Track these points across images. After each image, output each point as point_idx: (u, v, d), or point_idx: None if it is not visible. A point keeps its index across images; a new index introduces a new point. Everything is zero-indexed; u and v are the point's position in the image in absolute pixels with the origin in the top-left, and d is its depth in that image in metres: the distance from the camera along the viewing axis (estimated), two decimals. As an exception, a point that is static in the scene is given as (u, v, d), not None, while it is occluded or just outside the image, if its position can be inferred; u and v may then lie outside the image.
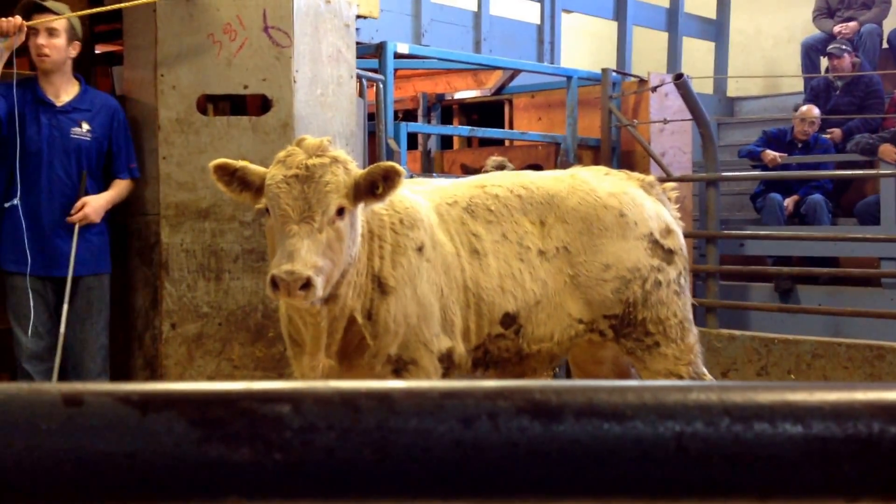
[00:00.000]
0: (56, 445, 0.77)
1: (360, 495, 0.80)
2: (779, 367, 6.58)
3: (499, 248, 3.64)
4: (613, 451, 0.79)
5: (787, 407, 0.80)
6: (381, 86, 6.68)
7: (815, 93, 9.09)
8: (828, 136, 8.71)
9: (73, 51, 4.79)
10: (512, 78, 8.67)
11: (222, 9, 4.90)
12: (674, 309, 3.83)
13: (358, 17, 5.74)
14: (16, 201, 4.69)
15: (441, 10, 8.77)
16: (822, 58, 9.65)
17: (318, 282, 2.96)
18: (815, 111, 8.60)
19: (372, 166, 3.24)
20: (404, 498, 0.80)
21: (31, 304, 4.67)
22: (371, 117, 6.77)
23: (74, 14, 4.75)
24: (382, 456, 0.79)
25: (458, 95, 9.26)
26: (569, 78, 8.15)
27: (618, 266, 3.76)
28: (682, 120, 8.05)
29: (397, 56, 7.03)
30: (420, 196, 3.63)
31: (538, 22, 9.65)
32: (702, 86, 10.03)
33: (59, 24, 4.68)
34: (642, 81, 8.28)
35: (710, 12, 11.30)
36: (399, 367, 3.41)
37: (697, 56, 11.34)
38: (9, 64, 4.55)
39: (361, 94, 6.18)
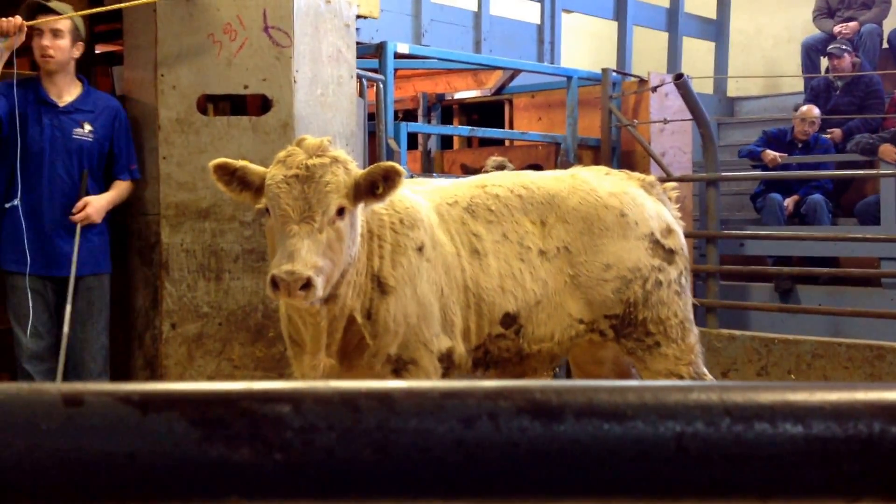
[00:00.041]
0: (56, 445, 0.77)
1: (360, 495, 0.80)
2: (779, 367, 6.58)
3: (499, 247, 3.64)
4: (614, 452, 0.79)
5: (787, 407, 0.80)
6: (382, 86, 6.68)
7: (816, 93, 9.08)
8: (828, 136, 8.71)
9: (77, 51, 4.79)
10: (512, 78, 8.67)
11: (222, 9, 4.90)
12: (674, 309, 3.83)
13: (358, 17, 5.74)
14: (16, 202, 4.69)
15: (441, 10, 8.77)
16: (822, 58, 9.65)
17: (319, 282, 2.96)
18: (816, 111, 8.60)
19: (372, 166, 3.24)
20: (405, 498, 0.80)
21: (31, 303, 4.67)
22: (371, 117, 6.77)
23: (76, 14, 4.74)
24: (383, 456, 0.79)
25: (459, 95, 9.27)
26: (569, 78, 8.14)
27: (618, 266, 3.76)
28: (683, 120, 8.05)
29: (397, 56, 7.03)
30: (420, 196, 3.63)
31: (538, 22, 9.65)
32: (702, 86, 10.03)
33: (64, 24, 4.68)
34: (642, 81, 8.28)
35: (710, 12, 11.30)
36: (399, 367, 3.41)
37: (697, 56, 11.34)
38: (9, 64, 4.55)
39: (361, 94, 6.17)
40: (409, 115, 8.94)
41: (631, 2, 10.20)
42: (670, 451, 0.79)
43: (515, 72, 8.52)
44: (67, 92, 4.79)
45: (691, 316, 3.96)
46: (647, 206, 3.89)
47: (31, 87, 4.74)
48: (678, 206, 4.16)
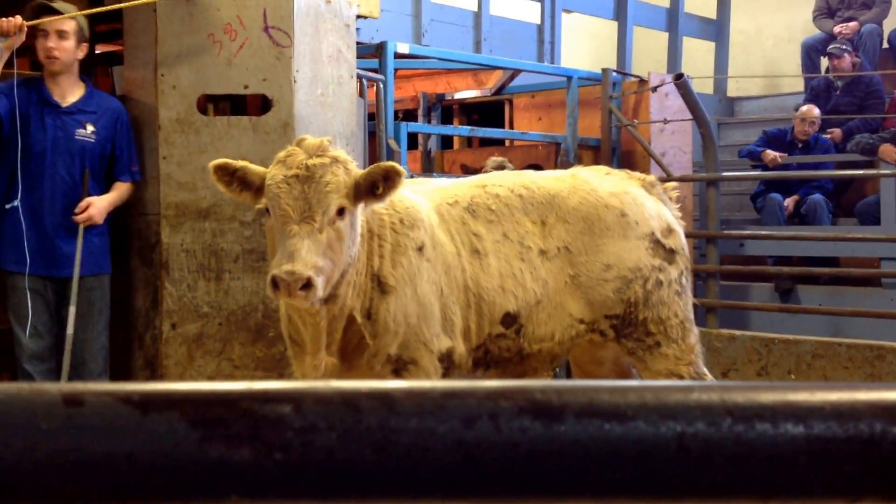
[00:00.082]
0: (56, 446, 0.77)
1: (360, 496, 0.80)
2: (779, 367, 6.58)
3: (500, 247, 3.64)
4: (615, 452, 0.79)
5: (788, 407, 0.80)
6: (382, 86, 6.68)
7: (816, 93, 9.08)
8: (828, 136, 8.71)
9: (81, 52, 4.81)
10: (512, 78, 8.67)
11: (222, 9, 4.90)
12: (675, 309, 3.83)
13: (358, 17, 5.74)
14: (16, 202, 4.69)
15: (441, 10, 8.76)
16: (822, 58, 9.65)
17: (319, 282, 2.96)
18: (816, 111, 8.60)
19: (372, 166, 3.24)
20: (405, 498, 0.80)
21: (31, 304, 4.67)
22: (371, 117, 6.77)
23: (78, 13, 4.74)
24: (383, 456, 0.79)
25: (459, 95, 9.27)
26: (569, 78, 8.15)
27: (619, 266, 3.76)
28: (683, 120, 8.05)
29: (397, 56, 7.03)
30: (420, 196, 3.62)
31: (538, 22, 9.65)
32: (702, 86, 10.03)
33: (69, 26, 4.69)
34: (642, 81, 8.28)
35: (711, 12, 11.31)
36: (399, 367, 3.41)
37: (698, 56, 11.34)
38: (9, 64, 4.55)
39: (362, 94, 6.17)
40: (410, 115, 8.94)
41: (631, 2, 10.20)
42: (671, 451, 0.79)
43: (515, 72, 8.52)
44: (70, 93, 4.79)
45: (692, 316, 3.96)
46: (648, 206, 3.89)
47: (33, 87, 4.74)
48: (678, 205, 4.16)
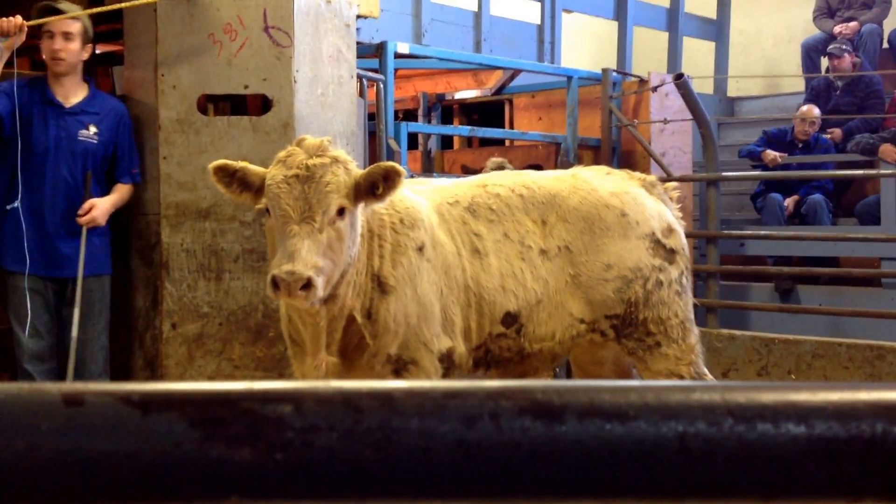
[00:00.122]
0: (57, 446, 0.77)
1: (361, 496, 0.80)
2: (779, 367, 6.58)
3: (500, 247, 3.64)
4: (616, 452, 0.79)
5: (790, 407, 0.80)
6: (382, 86, 6.68)
7: (816, 93, 9.08)
8: (828, 136, 8.71)
9: (86, 53, 4.82)
10: (512, 78, 8.67)
11: (223, 9, 4.90)
12: (675, 309, 3.83)
13: (358, 16, 5.73)
14: (16, 203, 4.69)
15: (441, 9, 8.76)
16: (822, 58, 9.65)
17: (319, 282, 2.96)
18: (816, 111, 8.59)
19: (372, 166, 3.24)
20: (406, 498, 0.80)
21: (31, 304, 4.67)
22: (371, 117, 6.77)
23: (80, 13, 4.74)
24: (384, 456, 0.79)
25: (459, 95, 9.27)
26: (569, 78, 8.14)
27: (619, 266, 3.75)
28: (683, 120, 8.04)
29: (398, 56, 7.03)
30: (421, 196, 3.62)
31: (538, 22, 9.65)
32: (702, 86, 10.03)
33: (74, 27, 4.69)
34: (643, 81, 8.28)
35: (711, 12, 11.30)
36: (399, 367, 3.41)
37: (698, 56, 11.34)
38: (9, 64, 4.55)
39: (362, 94, 6.17)
40: (410, 115, 8.94)
41: (631, 2, 10.20)
42: (673, 451, 0.79)
43: (515, 72, 8.52)
44: (74, 93, 4.80)
45: (692, 316, 3.95)
46: (648, 206, 3.89)
47: (37, 86, 4.75)
48: (679, 205, 4.16)
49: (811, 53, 9.86)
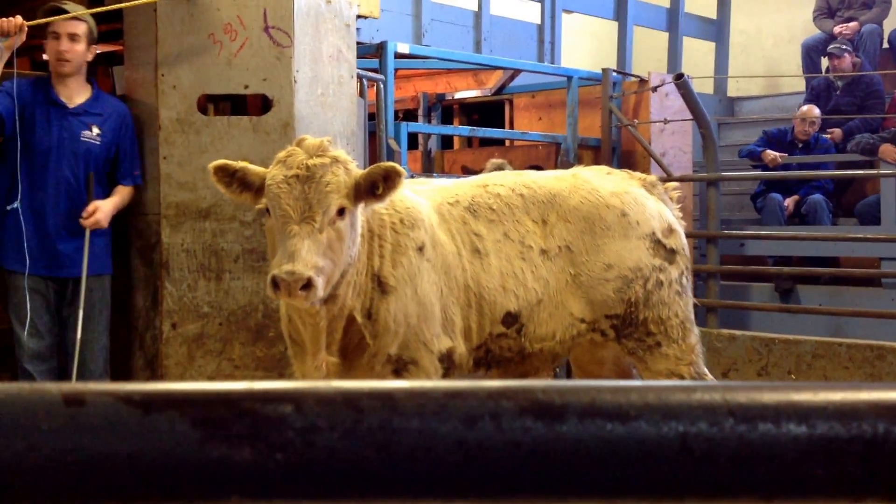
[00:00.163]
0: (57, 446, 0.77)
1: (362, 496, 0.80)
2: (779, 367, 6.58)
3: (500, 247, 3.64)
4: (617, 452, 0.79)
5: (791, 407, 0.80)
6: (382, 86, 6.68)
7: (816, 93, 9.08)
8: (828, 136, 8.71)
9: (91, 55, 4.83)
10: (512, 78, 8.67)
11: (223, 9, 4.90)
12: (675, 309, 3.83)
13: (358, 17, 5.73)
14: (16, 204, 4.69)
15: (441, 9, 8.76)
16: (822, 58, 9.64)
17: (319, 282, 2.96)
18: (816, 111, 8.59)
19: (372, 167, 3.24)
20: (407, 498, 0.80)
21: (32, 303, 4.67)
22: (371, 117, 6.77)
23: (81, 13, 4.74)
24: (385, 456, 0.79)
25: (459, 95, 9.27)
26: (569, 78, 8.15)
27: (619, 266, 3.75)
28: (683, 120, 8.04)
29: (398, 56, 7.03)
30: (421, 196, 3.62)
31: (538, 22, 9.65)
32: (702, 86, 10.03)
33: (80, 29, 4.71)
34: (643, 81, 8.28)
35: (711, 12, 11.30)
36: (399, 367, 3.41)
37: (698, 56, 11.34)
38: (9, 64, 4.55)
39: (362, 94, 6.17)
40: (410, 115, 8.94)
41: (631, 2, 10.20)
42: (674, 451, 0.79)
43: (516, 72, 8.52)
44: (77, 94, 4.81)
45: (692, 316, 3.95)
46: (649, 206, 3.89)
47: (40, 87, 4.75)
48: (679, 206, 4.16)
49: (811, 53, 9.86)
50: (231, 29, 4.89)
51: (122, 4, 4.84)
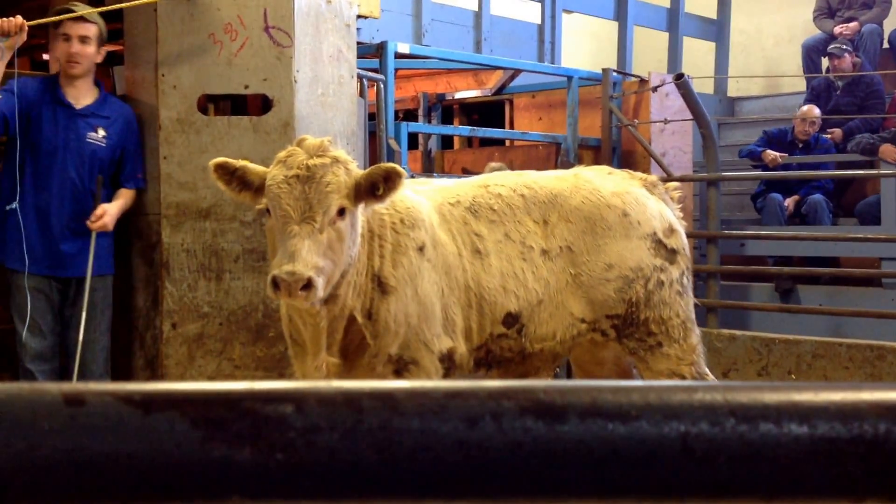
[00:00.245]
0: (58, 445, 0.77)
1: (362, 496, 0.80)
2: (779, 367, 6.58)
3: (501, 247, 3.64)
4: (618, 452, 0.79)
5: (792, 407, 0.80)
6: (382, 86, 6.68)
7: (816, 93, 9.08)
8: (828, 136, 8.71)
9: (100, 57, 4.85)
10: (512, 78, 8.66)
11: (223, 8, 4.90)
12: (676, 309, 3.83)
13: (359, 17, 5.73)
14: (14, 204, 4.69)
15: (442, 9, 8.76)
16: (822, 58, 9.64)
17: (319, 282, 2.95)
18: (816, 111, 8.59)
19: (373, 167, 3.23)
20: (407, 498, 0.80)
21: (34, 303, 4.68)
22: (372, 117, 6.77)
23: (79, 13, 4.74)
24: (385, 456, 0.78)
25: (459, 95, 9.26)
26: (569, 78, 8.14)
27: (620, 266, 3.75)
28: (683, 120, 8.04)
29: (398, 56, 7.03)
30: (422, 196, 3.62)
31: (539, 22, 9.65)
32: (702, 86, 10.03)
33: (91, 31, 4.73)
34: (643, 81, 8.28)
35: (711, 12, 11.30)
36: (400, 368, 3.41)
37: (698, 56, 11.34)
38: (10, 64, 4.56)
39: (362, 93, 6.17)
40: (410, 115, 8.94)
41: (631, 2, 10.20)
42: (675, 451, 0.79)
43: (516, 72, 8.52)
44: (85, 95, 4.82)
45: (693, 316, 3.95)
46: (650, 206, 3.89)
47: (48, 87, 4.76)
48: (679, 206, 4.15)
49: (811, 54, 9.86)
50: (231, 29, 4.89)
51: (123, 4, 4.84)
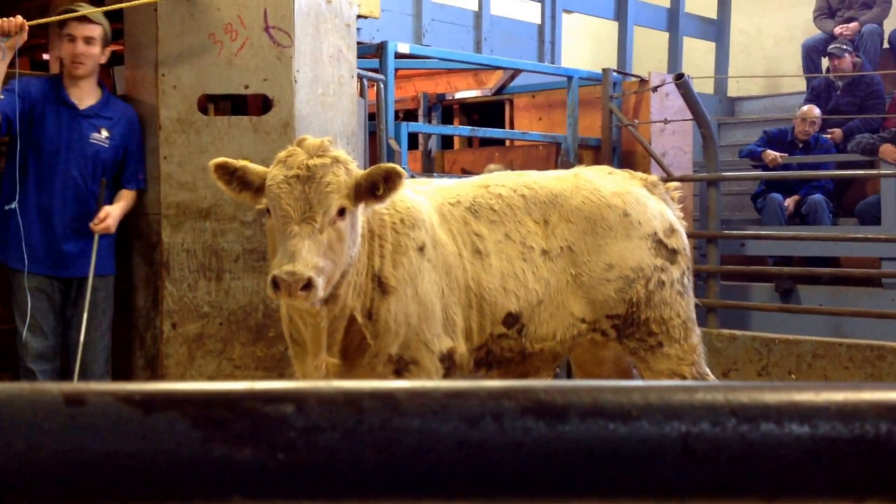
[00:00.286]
0: (58, 445, 0.77)
1: (363, 496, 0.80)
2: (779, 367, 6.58)
3: (502, 247, 3.64)
4: (619, 452, 0.79)
5: (793, 407, 0.80)
6: (382, 86, 6.68)
7: (816, 93, 9.08)
8: (828, 136, 8.71)
9: (104, 58, 4.86)
10: (512, 78, 8.66)
11: (223, 8, 4.90)
12: (677, 309, 3.82)
13: (359, 16, 5.73)
14: (14, 204, 4.69)
15: (442, 9, 8.76)
16: (822, 58, 9.64)
17: (319, 282, 2.95)
18: (816, 111, 8.59)
19: (373, 167, 3.23)
20: (408, 498, 0.80)
21: (36, 303, 4.68)
22: (372, 117, 6.77)
23: (81, 14, 4.74)
24: (386, 456, 0.78)
25: (459, 95, 9.26)
26: (569, 78, 8.14)
27: (621, 266, 3.75)
28: (683, 120, 8.04)
29: (398, 56, 7.03)
30: (422, 196, 3.62)
31: (539, 22, 9.65)
32: (702, 86, 10.03)
33: (96, 32, 4.74)
34: (643, 81, 8.27)
35: (711, 12, 11.30)
36: (400, 368, 3.41)
37: (698, 56, 11.34)
38: (10, 64, 4.56)
39: (362, 93, 6.17)
40: (410, 115, 8.94)
41: (631, 2, 10.20)
42: (676, 451, 0.79)
43: (516, 72, 8.52)
44: (88, 96, 4.82)
45: (694, 316, 3.95)
46: (650, 206, 3.89)
47: (51, 86, 4.76)
48: (679, 206, 4.15)
49: (811, 54, 9.86)
50: (231, 29, 4.89)
51: (123, 4, 4.84)
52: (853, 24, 9.46)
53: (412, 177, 5.68)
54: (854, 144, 7.89)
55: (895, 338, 6.53)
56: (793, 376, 6.45)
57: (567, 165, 7.13)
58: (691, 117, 7.70)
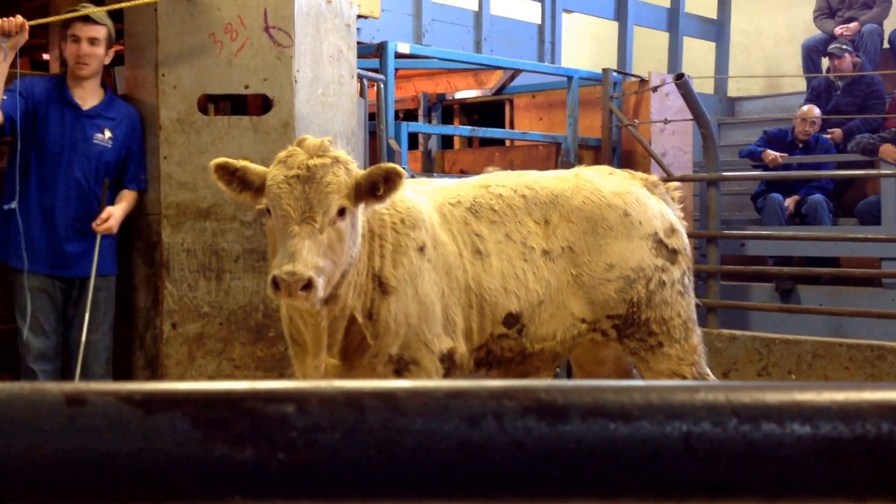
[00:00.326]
0: (58, 445, 0.77)
1: (364, 496, 0.80)
2: (780, 367, 6.57)
3: (502, 248, 3.64)
4: (620, 452, 0.79)
5: (794, 407, 0.80)
6: (382, 86, 6.68)
7: (816, 93, 9.08)
8: (828, 136, 8.71)
9: (108, 58, 4.86)
10: (513, 78, 8.67)
11: (223, 8, 4.90)
12: (678, 309, 3.82)
13: (359, 16, 5.73)
14: (13, 204, 4.69)
15: (442, 9, 8.76)
16: (822, 58, 9.64)
17: (320, 283, 2.95)
18: (816, 111, 8.59)
19: (373, 167, 3.23)
20: (409, 498, 0.80)
21: (38, 303, 4.68)
22: (372, 117, 6.77)
23: (81, 13, 4.74)
24: (387, 456, 0.78)
25: (459, 95, 9.27)
26: (569, 78, 8.14)
27: (622, 266, 3.75)
28: (683, 120, 8.04)
29: (398, 56, 7.03)
30: (423, 196, 3.62)
31: (539, 22, 9.65)
32: (702, 86, 10.03)
33: (101, 33, 4.75)
34: (643, 81, 8.28)
35: (711, 12, 11.30)
36: (400, 368, 3.41)
37: (698, 56, 11.34)
38: (12, 64, 4.56)
39: (362, 93, 6.17)
40: (410, 115, 8.94)
41: (631, 2, 10.20)
42: (677, 451, 0.78)
43: (516, 72, 8.52)
44: (92, 96, 4.83)
45: (694, 316, 3.95)
46: (651, 206, 3.89)
47: (55, 86, 4.76)
48: (680, 206, 4.15)
49: (812, 54, 9.86)
50: (231, 29, 4.89)
51: (123, 4, 4.84)
52: (853, 24, 9.46)
53: (412, 177, 5.68)
54: (854, 144, 7.89)
55: (895, 338, 6.53)
56: (793, 376, 6.45)
57: (567, 165, 7.13)
58: (691, 117, 7.70)
